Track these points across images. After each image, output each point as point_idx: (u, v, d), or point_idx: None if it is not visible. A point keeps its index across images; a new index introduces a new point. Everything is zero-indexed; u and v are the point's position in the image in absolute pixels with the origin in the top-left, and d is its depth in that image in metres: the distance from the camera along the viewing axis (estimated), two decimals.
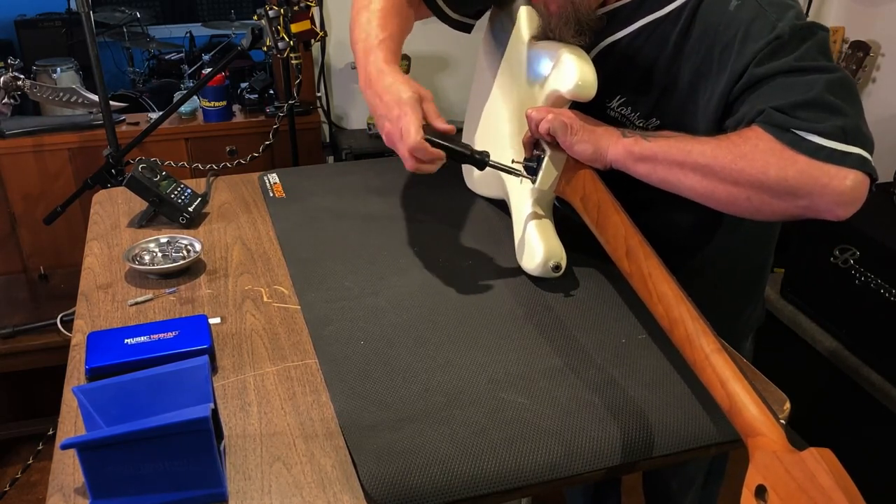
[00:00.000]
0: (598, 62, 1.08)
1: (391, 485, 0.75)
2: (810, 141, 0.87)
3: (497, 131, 1.26)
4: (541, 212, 1.12)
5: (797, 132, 0.88)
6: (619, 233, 0.97)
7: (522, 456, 0.80)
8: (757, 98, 0.93)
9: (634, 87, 1.07)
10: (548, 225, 1.11)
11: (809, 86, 0.90)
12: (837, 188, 0.86)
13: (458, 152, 1.00)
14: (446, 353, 0.95)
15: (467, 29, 1.30)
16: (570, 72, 1.01)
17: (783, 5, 0.95)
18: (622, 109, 1.10)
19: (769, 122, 0.90)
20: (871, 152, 0.89)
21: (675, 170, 0.96)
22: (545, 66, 1.09)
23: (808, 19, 0.95)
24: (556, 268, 1.07)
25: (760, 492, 0.65)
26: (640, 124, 1.08)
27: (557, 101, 1.07)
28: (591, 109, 1.07)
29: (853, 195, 0.87)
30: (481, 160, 1.02)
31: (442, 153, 0.97)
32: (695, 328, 0.81)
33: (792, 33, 0.92)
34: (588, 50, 1.09)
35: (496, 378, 0.91)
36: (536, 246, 1.08)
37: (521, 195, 1.15)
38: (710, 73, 0.98)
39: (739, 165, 0.90)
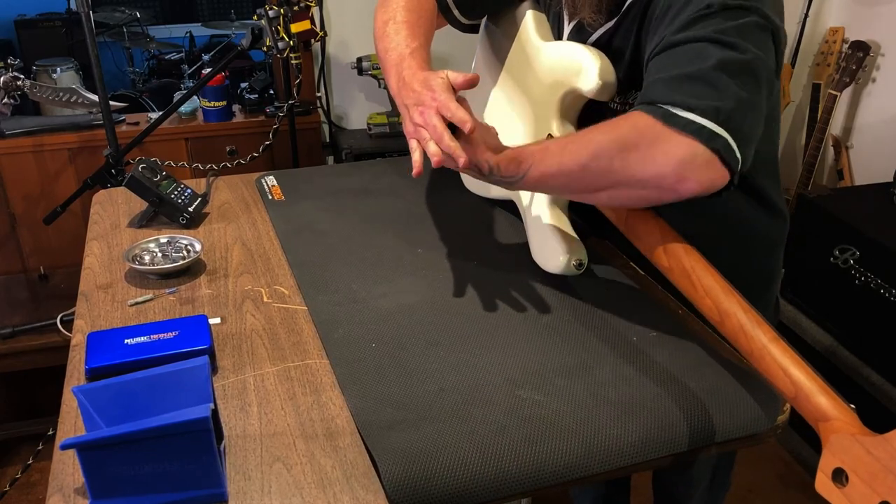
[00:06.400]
0: None
1: (413, 487, 0.75)
2: (681, 117, 0.85)
3: (504, 133, 1.25)
4: (558, 211, 1.12)
5: (670, 108, 0.86)
6: (653, 229, 0.97)
7: (544, 455, 0.80)
8: (658, 65, 0.93)
9: (613, 65, 1.07)
10: (566, 223, 1.11)
11: (705, 59, 0.87)
12: (685, 160, 0.84)
13: None
14: (458, 353, 0.95)
15: (477, 30, 1.33)
16: (592, 71, 1.02)
17: None
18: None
19: (647, 98, 0.89)
20: (742, 146, 0.86)
21: (549, 192, 1.02)
22: (560, 66, 1.10)
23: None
24: (580, 265, 1.07)
25: (837, 475, 0.65)
26: (621, 101, 1.08)
27: (575, 100, 1.08)
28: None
29: (692, 167, 0.84)
30: None
31: (469, 118, 0.91)
32: (748, 319, 0.81)
33: (723, 7, 0.90)
34: (584, 41, 1.10)
35: (511, 376, 0.91)
36: (558, 245, 1.08)
37: (536, 195, 1.15)
38: (654, 38, 0.98)
39: (581, 161, 0.90)
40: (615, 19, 1.06)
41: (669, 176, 0.86)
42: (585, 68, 1.03)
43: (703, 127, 0.84)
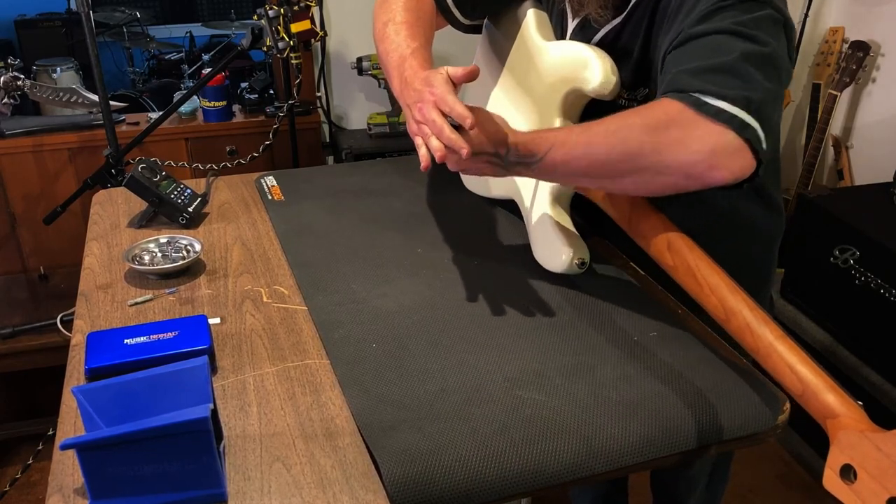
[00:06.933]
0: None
1: (414, 487, 0.75)
2: (712, 105, 0.85)
3: None
4: (560, 210, 1.12)
5: (700, 96, 0.86)
6: (656, 227, 0.96)
7: (545, 455, 0.80)
8: (679, 57, 0.92)
9: (620, 64, 1.07)
10: (568, 222, 1.11)
11: (728, 51, 0.88)
12: (723, 150, 0.84)
13: None
14: (459, 353, 0.95)
15: (479, 30, 1.32)
16: (595, 70, 1.02)
17: None
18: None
19: (675, 87, 0.89)
20: (768, 137, 0.87)
21: (565, 180, 0.99)
22: (562, 65, 1.10)
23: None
24: (582, 264, 1.07)
25: (846, 471, 0.65)
26: (629, 97, 1.08)
27: (578, 99, 1.08)
28: None
29: (724, 155, 0.85)
30: None
31: (468, 114, 0.89)
32: (754, 317, 0.81)
33: (741, 1, 0.91)
34: (588, 40, 1.10)
35: (512, 376, 0.91)
36: (561, 244, 1.08)
37: (538, 194, 1.15)
38: (670, 32, 0.99)
39: (611, 146, 0.89)
40: (622, 16, 1.06)
41: (701, 163, 0.85)
42: (588, 67, 1.03)
43: (735, 116, 0.84)
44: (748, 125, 0.85)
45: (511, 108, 1.24)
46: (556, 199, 1.12)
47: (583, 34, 1.12)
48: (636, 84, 1.07)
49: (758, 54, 0.88)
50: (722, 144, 0.84)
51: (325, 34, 2.55)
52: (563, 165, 0.93)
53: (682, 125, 0.86)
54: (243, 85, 2.68)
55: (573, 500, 1.81)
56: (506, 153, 0.93)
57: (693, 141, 0.85)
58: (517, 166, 0.95)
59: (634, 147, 0.88)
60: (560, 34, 1.19)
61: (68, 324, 1.83)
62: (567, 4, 1.14)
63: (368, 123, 2.62)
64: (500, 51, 1.28)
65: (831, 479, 0.66)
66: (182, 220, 1.27)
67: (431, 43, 1.15)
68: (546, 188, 1.13)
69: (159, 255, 1.17)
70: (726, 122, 0.84)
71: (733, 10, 0.90)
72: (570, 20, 1.15)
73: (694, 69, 0.88)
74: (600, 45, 1.10)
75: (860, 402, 0.71)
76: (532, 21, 1.20)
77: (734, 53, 0.87)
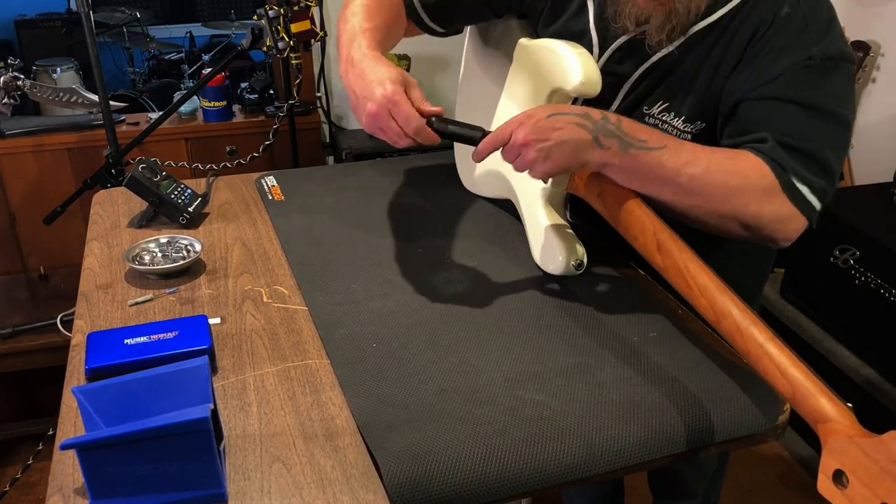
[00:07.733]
0: (645, 74, 1.07)
1: (414, 488, 0.75)
2: (797, 189, 0.95)
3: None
4: (555, 211, 1.12)
5: (793, 179, 0.95)
6: (646, 228, 0.96)
7: (545, 455, 0.80)
8: (765, 116, 0.97)
9: (678, 93, 1.06)
10: (564, 223, 1.11)
11: (815, 134, 0.96)
12: (796, 230, 0.98)
13: (465, 136, 0.98)
14: (459, 353, 0.95)
15: (458, 32, 1.31)
16: (574, 69, 1.01)
17: (825, 28, 0.97)
18: (663, 115, 1.08)
19: (773, 156, 0.95)
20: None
21: (657, 185, 0.96)
22: (543, 64, 1.09)
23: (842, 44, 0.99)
24: (579, 265, 1.07)
25: (838, 476, 0.66)
26: (683, 128, 1.07)
27: (562, 99, 1.07)
28: (627, 115, 1.02)
29: (790, 230, 0.98)
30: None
31: (436, 137, 0.95)
32: (744, 318, 0.81)
33: (823, 60, 0.96)
34: (638, 65, 1.07)
35: (512, 377, 0.91)
36: (557, 246, 1.08)
37: (532, 195, 1.15)
38: (744, 71, 1.00)
39: (729, 183, 0.95)
40: (679, 41, 1.03)
41: (767, 228, 0.96)
42: (567, 66, 1.02)
43: (812, 205, 0.96)
44: (817, 211, 0.97)
45: (501, 109, 1.24)
46: (550, 200, 1.12)
47: (630, 59, 1.07)
48: (695, 117, 1.06)
49: (838, 132, 0.97)
50: (788, 219, 0.96)
51: (325, 34, 2.55)
52: (669, 171, 0.94)
53: (769, 195, 0.95)
54: (243, 85, 2.69)
55: (568, 501, 1.80)
56: (601, 117, 0.94)
57: (768, 211, 0.95)
58: (611, 139, 0.93)
59: (720, 191, 0.95)
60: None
61: (68, 324, 1.83)
62: (593, 30, 1.09)
63: None
64: (486, 53, 1.28)
65: (825, 485, 0.67)
66: (182, 220, 1.27)
67: (391, 33, 1.14)
68: (539, 189, 1.13)
69: (159, 255, 1.17)
70: (800, 205, 0.95)
71: (817, 73, 0.96)
72: (596, 45, 1.09)
73: (787, 146, 0.95)
74: (653, 69, 1.06)
75: (849, 405, 0.71)
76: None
77: (819, 140, 0.96)
